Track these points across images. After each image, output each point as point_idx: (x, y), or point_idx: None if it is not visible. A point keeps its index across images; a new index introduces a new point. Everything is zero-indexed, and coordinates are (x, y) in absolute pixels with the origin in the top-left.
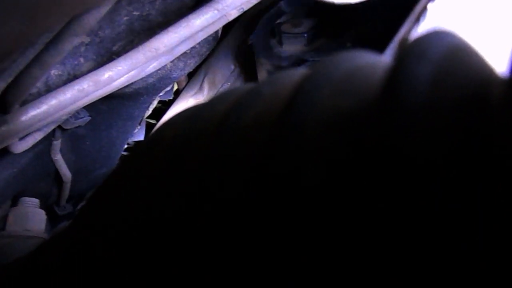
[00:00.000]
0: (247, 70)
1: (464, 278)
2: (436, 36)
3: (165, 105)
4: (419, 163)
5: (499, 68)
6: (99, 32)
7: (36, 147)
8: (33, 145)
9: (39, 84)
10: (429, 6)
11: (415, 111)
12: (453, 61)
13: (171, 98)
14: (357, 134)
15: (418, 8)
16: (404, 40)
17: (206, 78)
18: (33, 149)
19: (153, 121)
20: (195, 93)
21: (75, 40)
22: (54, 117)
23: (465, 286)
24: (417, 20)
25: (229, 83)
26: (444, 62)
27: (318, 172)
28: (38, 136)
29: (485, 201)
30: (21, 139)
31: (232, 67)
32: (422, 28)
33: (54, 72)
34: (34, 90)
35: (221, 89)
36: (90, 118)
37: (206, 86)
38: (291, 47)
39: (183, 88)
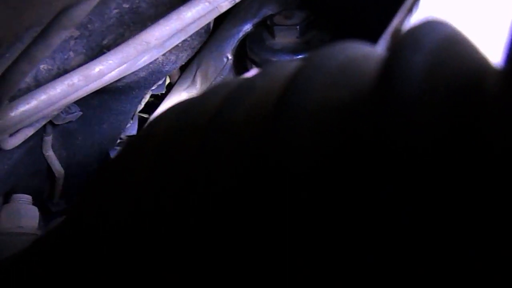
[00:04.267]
0: (240, 63)
1: (464, 277)
2: (429, 26)
3: (157, 99)
4: (414, 154)
5: (494, 58)
6: (89, 26)
7: (27, 143)
8: (24, 141)
9: (28, 79)
10: None
11: (410, 102)
12: (447, 51)
13: (164, 92)
14: (351, 125)
15: None
16: (397, 31)
17: (198, 71)
18: (24, 145)
19: (145, 116)
20: (188, 87)
21: (64, 34)
22: (45, 113)
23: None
24: (410, 10)
25: (222, 76)
26: (438, 52)
27: (312, 165)
28: (29, 132)
29: (480, 192)
30: (11, 135)
31: (225, 60)
32: (415, 18)
33: (43, 66)
34: (23, 85)
35: (214, 82)
36: (81, 113)
37: (198, 80)
38: (283, 39)
39: (176, 81)
